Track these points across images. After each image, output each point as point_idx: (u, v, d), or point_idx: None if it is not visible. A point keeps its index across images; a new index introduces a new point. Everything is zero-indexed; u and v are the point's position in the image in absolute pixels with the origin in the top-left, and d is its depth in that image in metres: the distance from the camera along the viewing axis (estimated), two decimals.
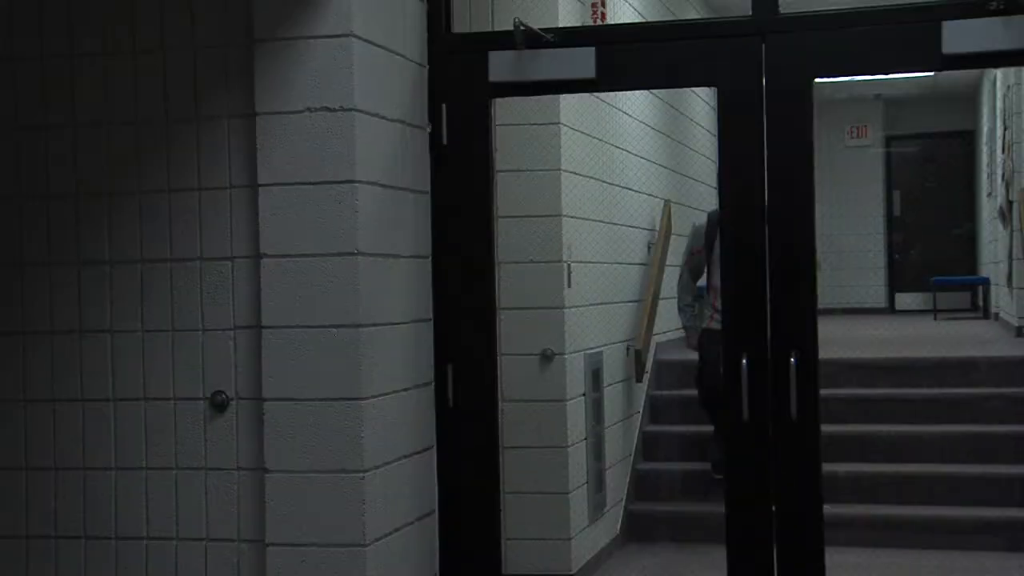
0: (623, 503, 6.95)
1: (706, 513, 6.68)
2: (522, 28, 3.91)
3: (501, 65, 3.98)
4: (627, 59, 3.96)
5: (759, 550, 3.85)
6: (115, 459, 3.74)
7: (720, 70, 3.91)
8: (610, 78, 4.00)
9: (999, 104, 11.35)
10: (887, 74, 4.21)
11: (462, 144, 4.04)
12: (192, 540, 3.69)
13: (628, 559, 6.56)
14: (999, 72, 11.06)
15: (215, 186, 3.67)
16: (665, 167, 8.56)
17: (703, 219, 7.11)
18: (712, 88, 11.37)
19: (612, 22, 6.63)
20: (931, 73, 12.57)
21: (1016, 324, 9.80)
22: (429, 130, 4.01)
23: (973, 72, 13.29)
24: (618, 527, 6.81)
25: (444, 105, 4.01)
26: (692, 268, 7.13)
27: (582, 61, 3.94)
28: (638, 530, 6.94)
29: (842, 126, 15.90)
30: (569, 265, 5.82)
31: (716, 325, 6.37)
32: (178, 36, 3.70)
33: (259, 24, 3.58)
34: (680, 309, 7.27)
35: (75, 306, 3.77)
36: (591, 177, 6.28)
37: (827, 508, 3.90)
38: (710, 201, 10.67)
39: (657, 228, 8.04)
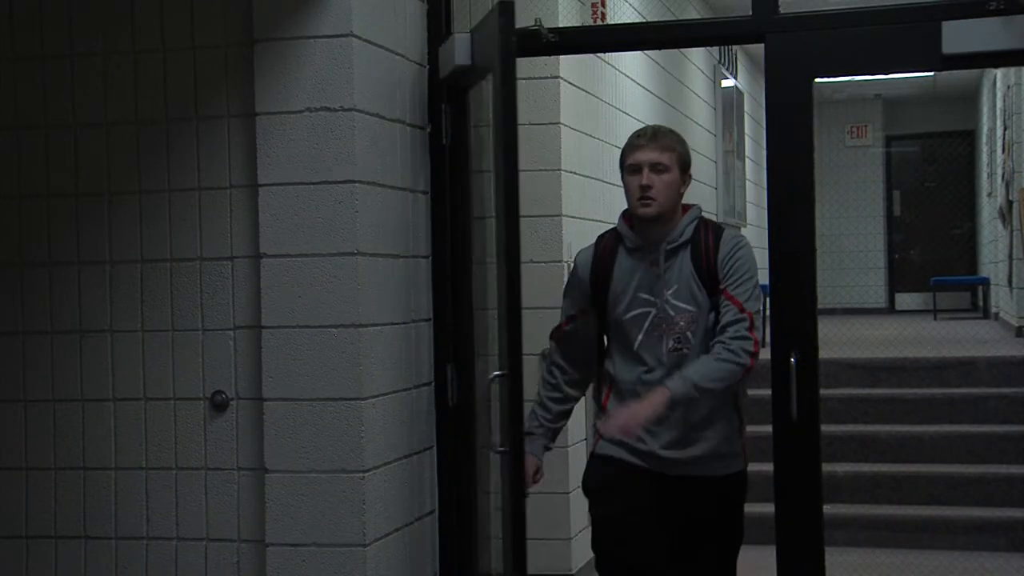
0: None
1: None
2: (547, 30, 3.94)
3: None
4: None
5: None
6: (115, 459, 3.74)
7: None
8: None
9: (999, 104, 11.35)
10: (887, 74, 4.22)
11: (462, 144, 4.03)
12: (192, 540, 3.69)
13: None
14: (999, 72, 11.07)
15: (215, 186, 3.67)
16: None
17: (582, 264, 3.71)
18: (712, 87, 11.36)
19: (612, 22, 6.63)
20: (931, 73, 12.58)
21: (1016, 324, 9.80)
22: (429, 130, 4.01)
23: (973, 72, 13.29)
24: None
25: (444, 105, 4.01)
26: (562, 341, 3.76)
27: None
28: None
29: (842, 126, 15.93)
30: (569, 265, 5.82)
31: (613, 450, 3.60)
32: (178, 36, 3.70)
33: (259, 24, 3.58)
34: (540, 401, 3.78)
35: (75, 306, 3.77)
36: (591, 177, 6.28)
37: (827, 508, 3.90)
38: (710, 201, 10.68)
39: None
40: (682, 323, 3.51)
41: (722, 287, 3.49)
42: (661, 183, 3.51)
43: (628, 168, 3.55)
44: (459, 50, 3.80)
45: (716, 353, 3.45)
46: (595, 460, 3.70)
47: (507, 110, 3.45)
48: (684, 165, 3.59)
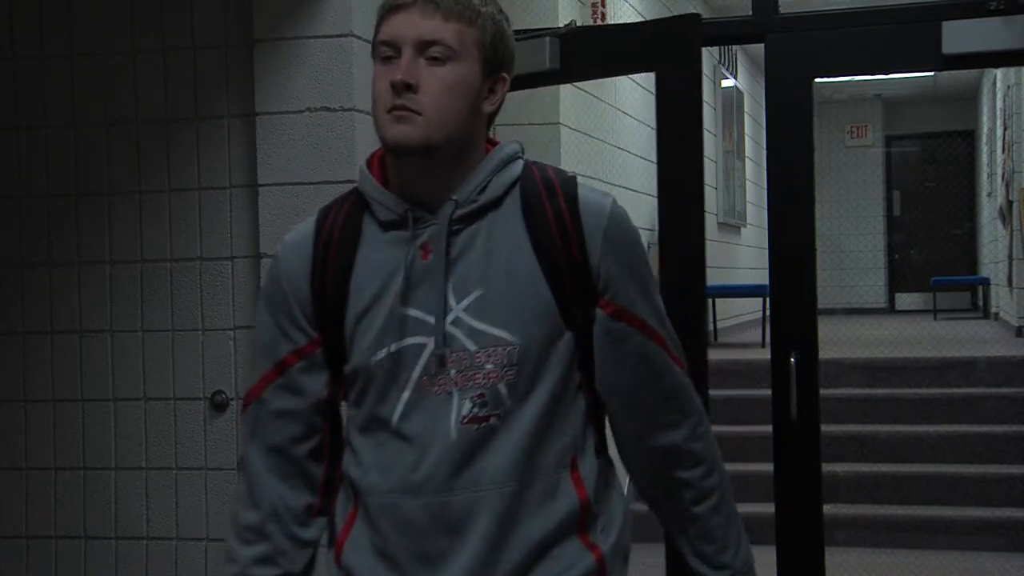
0: None
1: None
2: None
3: None
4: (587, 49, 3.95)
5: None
6: (115, 459, 3.74)
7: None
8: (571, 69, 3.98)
9: (999, 104, 11.35)
10: (887, 74, 4.22)
11: None
12: (192, 540, 3.69)
13: None
14: (999, 72, 11.07)
15: (215, 186, 3.67)
16: None
17: (291, 260, 2.00)
18: (712, 87, 11.35)
19: (612, 22, 6.63)
20: (931, 73, 12.59)
21: (1016, 324, 9.80)
22: None
23: (973, 72, 13.30)
24: None
25: None
26: (267, 418, 1.85)
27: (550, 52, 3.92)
28: (638, 530, 6.93)
29: (842, 126, 15.94)
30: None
31: None
32: (178, 36, 3.70)
33: (259, 24, 3.58)
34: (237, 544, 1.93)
35: (75, 306, 3.77)
36: (591, 177, 6.28)
37: (827, 508, 3.90)
38: (710, 201, 10.67)
39: (657, 228, 8.03)
40: (489, 366, 1.72)
41: (612, 301, 1.84)
42: (436, 81, 1.69)
43: (380, 51, 1.72)
44: (551, 54, 3.87)
45: (688, 485, 1.91)
46: None
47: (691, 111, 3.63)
48: (493, 55, 1.76)
